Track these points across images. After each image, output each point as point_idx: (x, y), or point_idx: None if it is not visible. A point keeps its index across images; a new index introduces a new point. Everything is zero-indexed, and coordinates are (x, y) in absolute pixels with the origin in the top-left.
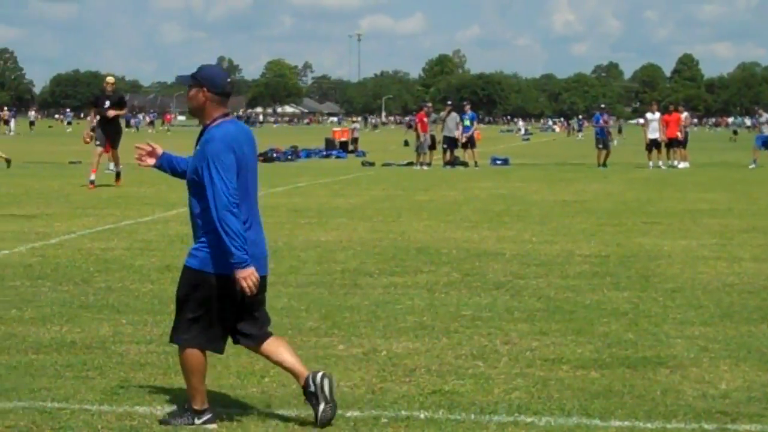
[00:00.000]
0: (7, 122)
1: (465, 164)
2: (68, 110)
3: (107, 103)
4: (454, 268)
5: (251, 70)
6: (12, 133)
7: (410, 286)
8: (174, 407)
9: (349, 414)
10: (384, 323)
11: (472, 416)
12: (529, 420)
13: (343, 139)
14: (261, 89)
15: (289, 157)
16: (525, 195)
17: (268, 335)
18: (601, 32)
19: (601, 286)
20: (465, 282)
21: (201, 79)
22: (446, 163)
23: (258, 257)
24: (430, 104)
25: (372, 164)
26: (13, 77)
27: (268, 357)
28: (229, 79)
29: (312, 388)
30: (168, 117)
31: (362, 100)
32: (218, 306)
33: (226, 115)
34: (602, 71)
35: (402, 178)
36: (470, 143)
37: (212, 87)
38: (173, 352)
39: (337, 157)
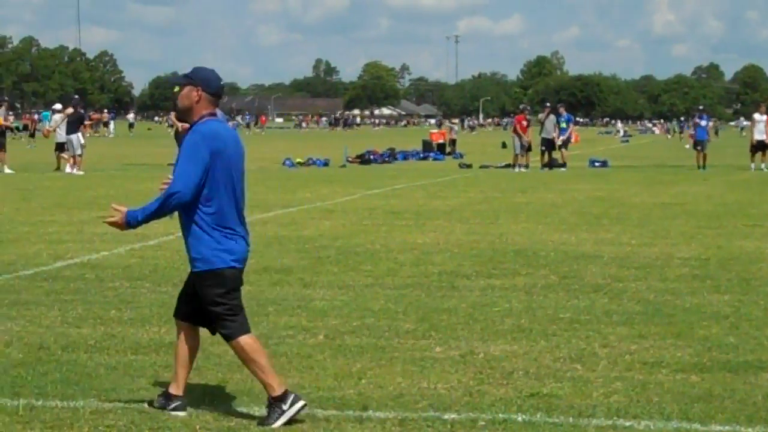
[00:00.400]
0: (106, 124)
1: (563, 166)
2: (171, 113)
3: None
4: (552, 270)
5: (348, 72)
6: (111, 135)
7: (508, 289)
8: None
9: (446, 416)
10: (481, 326)
11: (571, 419)
12: (628, 424)
13: (440, 141)
14: (358, 91)
15: (386, 159)
16: (624, 197)
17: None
18: (701, 33)
19: (701, 289)
20: (563, 285)
21: (197, 79)
22: (544, 165)
23: (241, 255)
24: (528, 107)
25: (469, 166)
26: (112, 80)
27: (185, 340)
28: (222, 83)
29: (174, 402)
30: (263, 119)
31: (460, 102)
32: (236, 293)
33: (213, 115)
34: (702, 72)
35: (500, 180)
36: (564, 145)
37: (207, 87)
38: (270, 353)
39: (435, 159)
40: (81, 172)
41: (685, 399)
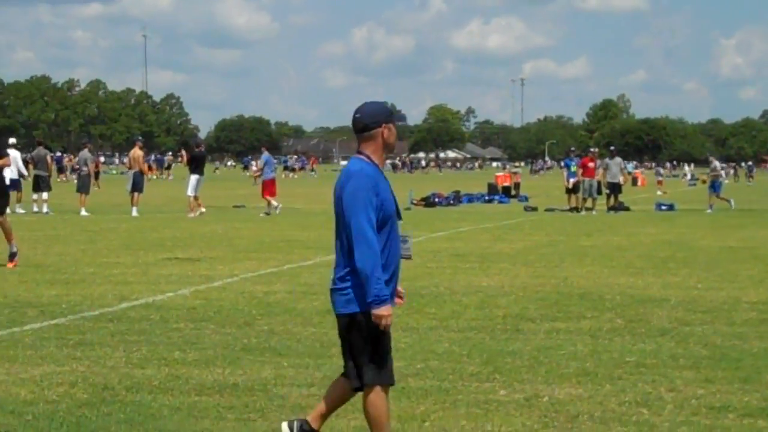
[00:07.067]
0: (168, 167)
1: (628, 209)
2: (249, 157)
3: None
4: (617, 314)
5: (414, 115)
6: (171, 178)
7: (573, 332)
8: None
9: None
10: (546, 369)
11: None
12: None
13: (505, 184)
14: (423, 134)
15: (451, 202)
16: (691, 241)
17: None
18: None
19: None
20: (629, 328)
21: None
22: (610, 208)
23: None
24: (596, 149)
25: (534, 209)
26: (179, 122)
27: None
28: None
29: None
30: (314, 160)
31: (525, 145)
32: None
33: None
34: None
35: (565, 223)
36: (575, 189)
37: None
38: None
39: (500, 202)
40: (193, 215)
41: None
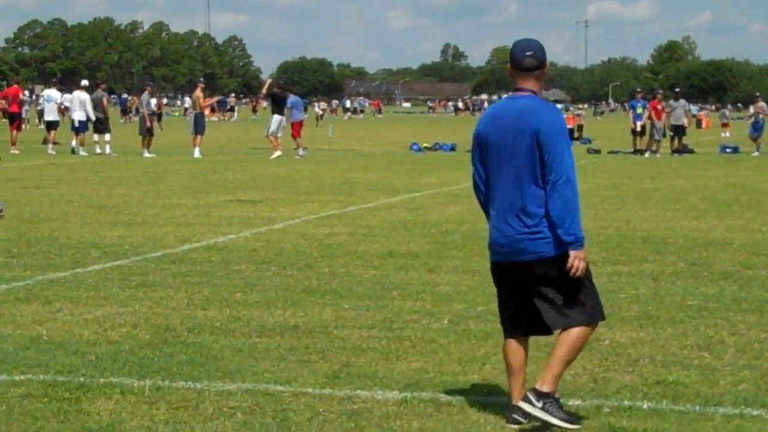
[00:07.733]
0: (231, 109)
1: (692, 151)
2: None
3: None
4: (680, 257)
5: (477, 57)
6: (234, 120)
7: (635, 275)
8: (395, 392)
9: (571, 403)
10: (608, 312)
11: (697, 408)
12: (756, 413)
13: (568, 126)
14: (486, 76)
15: None
16: (755, 184)
17: None
18: None
19: None
20: (691, 271)
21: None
22: (674, 151)
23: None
24: (660, 92)
25: (597, 152)
26: (241, 64)
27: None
28: (519, 53)
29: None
30: (377, 103)
31: (589, 87)
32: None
33: (517, 90)
34: None
35: (628, 166)
36: (643, 131)
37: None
38: (395, 337)
39: None
40: (279, 153)
41: None
